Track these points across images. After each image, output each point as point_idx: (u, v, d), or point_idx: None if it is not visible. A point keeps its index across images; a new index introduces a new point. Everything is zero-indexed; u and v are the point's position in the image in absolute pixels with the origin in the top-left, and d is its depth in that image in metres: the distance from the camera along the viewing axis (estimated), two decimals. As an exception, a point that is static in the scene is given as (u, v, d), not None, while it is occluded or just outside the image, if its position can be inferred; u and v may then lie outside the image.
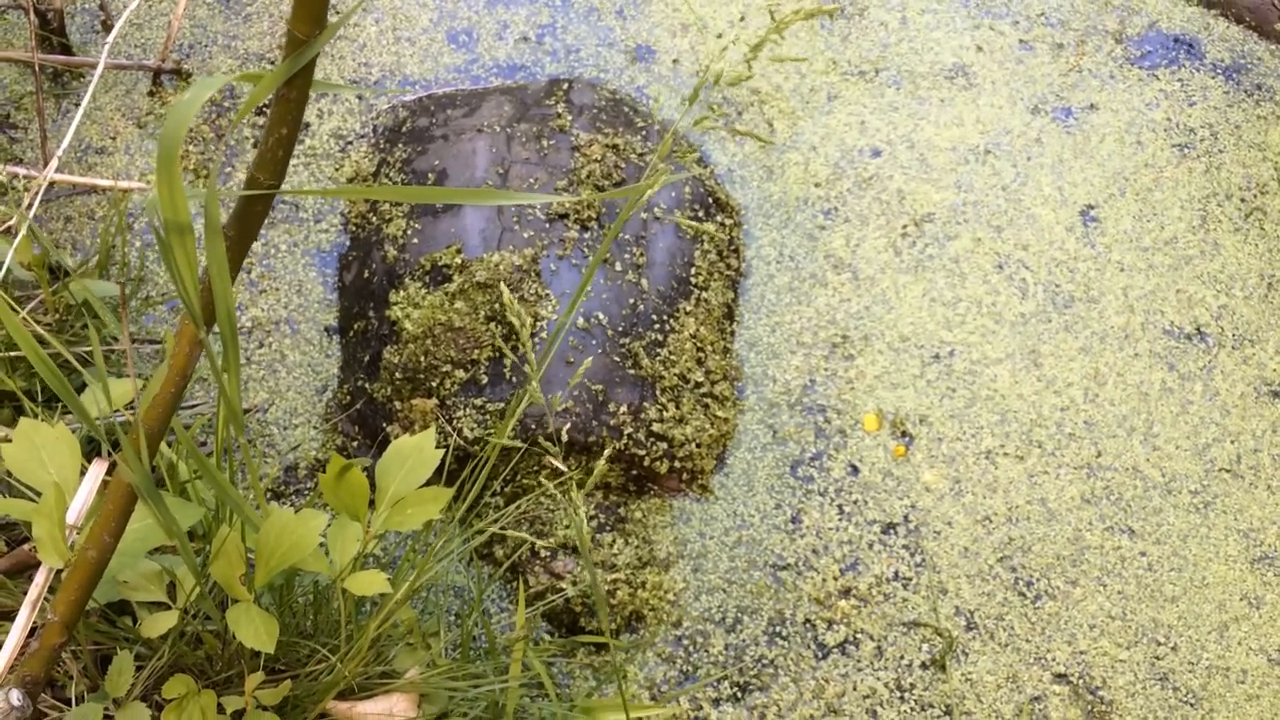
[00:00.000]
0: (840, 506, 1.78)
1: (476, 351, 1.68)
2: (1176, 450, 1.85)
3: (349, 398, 1.77)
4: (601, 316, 1.74)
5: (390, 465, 1.32)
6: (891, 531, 1.76)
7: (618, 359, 1.73)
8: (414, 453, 1.34)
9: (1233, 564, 1.76)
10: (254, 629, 1.15)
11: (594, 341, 1.72)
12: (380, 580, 1.22)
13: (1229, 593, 1.74)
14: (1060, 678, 1.66)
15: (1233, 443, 1.87)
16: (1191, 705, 1.65)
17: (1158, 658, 1.69)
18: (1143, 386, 1.91)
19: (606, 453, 1.34)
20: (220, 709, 1.19)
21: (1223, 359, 1.95)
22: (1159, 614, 1.72)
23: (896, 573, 1.73)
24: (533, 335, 1.70)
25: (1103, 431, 1.86)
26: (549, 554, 1.65)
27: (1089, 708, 1.64)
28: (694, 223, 1.84)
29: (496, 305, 1.69)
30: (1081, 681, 1.66)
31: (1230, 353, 1.96)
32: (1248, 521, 1.80)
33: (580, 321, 1.72)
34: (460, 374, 1.68)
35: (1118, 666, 1.68)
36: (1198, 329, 1.98)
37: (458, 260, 1.74)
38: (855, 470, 1.81)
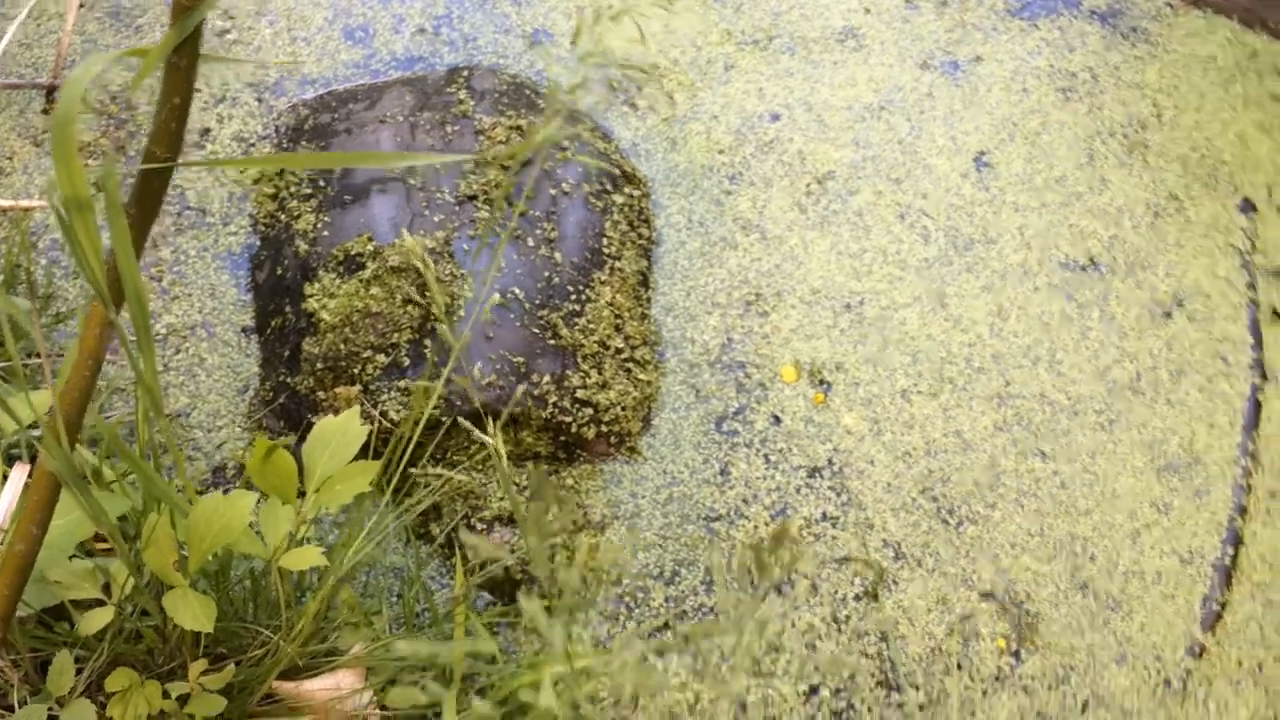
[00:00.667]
0: (766, 456, 1.83)
1: (396, 335, 1.71)
2: (1080, 374, 1.94)
3: (271, 394, 1.78)
4: (518, 291, 1.77)
5: (316, 446, 1.34)
6: (817, 475, 1.82)
7: (537, 330, 1.76)
8: (338, 432, 1.36)
9: (1140, 475, 1.85)
10: (191, 612, 1.16)
11: (512, 315, 1.75)
12: (314, 554, 1.24)
13: (1139, 502, 1.82)
14: (987, 596, 1.73)
15: (1131, 362, 1.96)
16: (1111, 609, 1.73)
17: (1077, 568, 1.76)
18: (1044, 317, 1.99)
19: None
20: (165, 694, 1.20)
21: (1116, 285, 2.04)
22: (1075, 527, 1.79)
23: (824, 513, 1.79)
24: (450, 314, 1.72)
25: (1009, 363, 1.94)
26: (485, 526, 1.67)
27: (1016, 621, 1.71)
28: (603, 195, 1.88)
29: (412, 288, 1.72)
30: (1007, 597, 1.73)
31: (1123, 279, 2.05)
32: (1151, 434, 1.89)
33: (497, 297, 1.75)
34: (381, 358, 1.70)
35: (1040, 580, 1.75)
36: (1091, 260, 2.07)
37: (370, 248, 1.76)
38: (778, 420, 1.86)
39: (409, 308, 1.71)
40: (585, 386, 1.77)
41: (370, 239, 1.77)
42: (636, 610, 1.68)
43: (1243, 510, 1.83)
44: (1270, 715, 1.67)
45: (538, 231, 1.84)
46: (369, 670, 1.38)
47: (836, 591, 1.72)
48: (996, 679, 1.67)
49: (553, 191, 1.91)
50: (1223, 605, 1.75)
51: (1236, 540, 1.80)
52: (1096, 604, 1.74)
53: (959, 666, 1.67)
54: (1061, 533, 1.79)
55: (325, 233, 1.83)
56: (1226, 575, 1.77)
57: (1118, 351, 1.97)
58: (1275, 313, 2.05)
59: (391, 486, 1.44)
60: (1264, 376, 1.96)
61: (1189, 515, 1.82)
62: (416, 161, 0.95)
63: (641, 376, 1.86)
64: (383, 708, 1.37)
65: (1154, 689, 1.68)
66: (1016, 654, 1.69)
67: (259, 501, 1.24)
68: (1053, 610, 1.73)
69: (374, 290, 1.72)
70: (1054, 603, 1.74)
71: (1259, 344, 2.00)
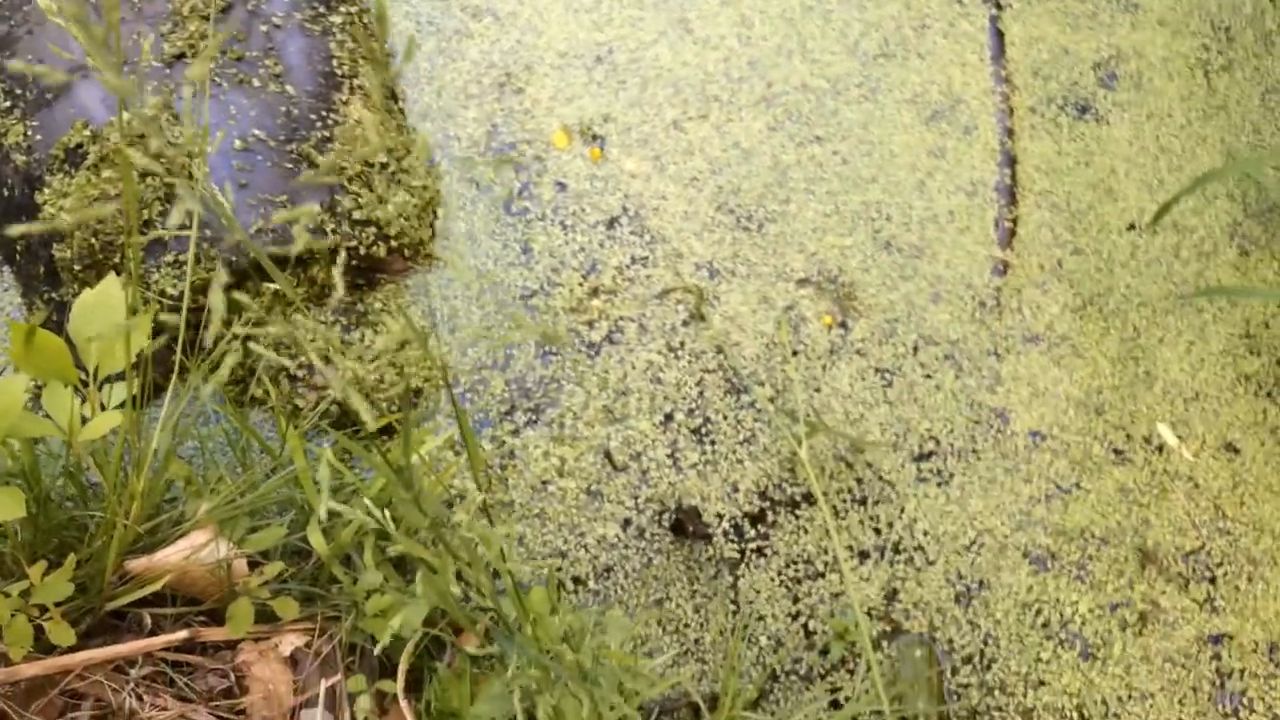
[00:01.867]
0: (562, 223, 1.82)
1: (145, 211, 1.62)
2: (833, 56, 1.97)
3: (45, 316, 1.68)
4: (259, 133, 1.69)
5: (80, 321, 1.28)
6: (616, 225, 1.83)
7: (291, 165, 1.69)
8: (100, 302, 1.30)
9: (911, 130, 1.91)
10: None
11: (260, 158, 1.68)
12: (111, 417, 1.19)
13: (916, 154, 1.89)
14: (803, 282, 1.79)
15: (877, 31, 2.00)
16: (916, 258, 1.82)
17: (876, 231, 1.83)
18: (786, 14, 2.01)
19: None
20: (6, 595, 1.16)
21: (846, -36, 2.06)
22: (865, 196, 1.86)
23: (633, 257, 1.80)
24: (193, 174, 1.64)
25: (765, 65, 1.96)
26: (305, 371, 1.64)
27: (835, 295, 1.78)
28: (318, 19, 1.79)
29: (146, 159, 1.62)
30: (822, 277, 1.79)
31: (851, -42, 2.07)
32: (911, 90, 1.94)
33: (238, 143, 1.67)
34: (139, 239, 1.61)
35: (847, 253, 1.81)
36: (816, -53, 2.08)
37: (88, 133, 1.65)
38: (563, 186, 1.85)
39: (149, 180, 1.62)
40: (360, 207, 1.72)
41: (86, 125, 1.66)
42: (481, 401, 1.69)
43: (1010, 132, 1.92)
44: (1078, 303, 1.79)
45: (261, 70, 1.75)
46: (223, 525, 1.35)
47: (665, 324, 1.75)
48: (831, 352, 1.74)
49: (264, 28, 1.81)
50: (1014, 221, 1.85)
51: (1011, 161, 1.89)
52: (902, 257, 1.82)
53: (795, 353, 1.74)
54: (855, 204, 1.85)
55: (39, 137, 1.70)
56: (1010, 194, 1.86)
57: (862, 24, 2.00)
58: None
59: (198, 361, 1.39)
60: (999, 5, 2.03)
61: (964, 152, 1.90)
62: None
63: (416, 183, 1.81)
64: (249, 558, 1.35)
65: (972, 313, 1.78)
66: (843, 324, 1.76)
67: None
68: (865, 275, 1.80)
69: (106, 174, 1.62)
70: (864, 268, 1.80)
71: (988, -20, 2.06)
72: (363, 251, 1.72)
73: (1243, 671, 1.53)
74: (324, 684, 1.30)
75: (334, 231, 1.69)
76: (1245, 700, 1.52)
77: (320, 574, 1.40)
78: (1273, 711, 1.51)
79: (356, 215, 1.72)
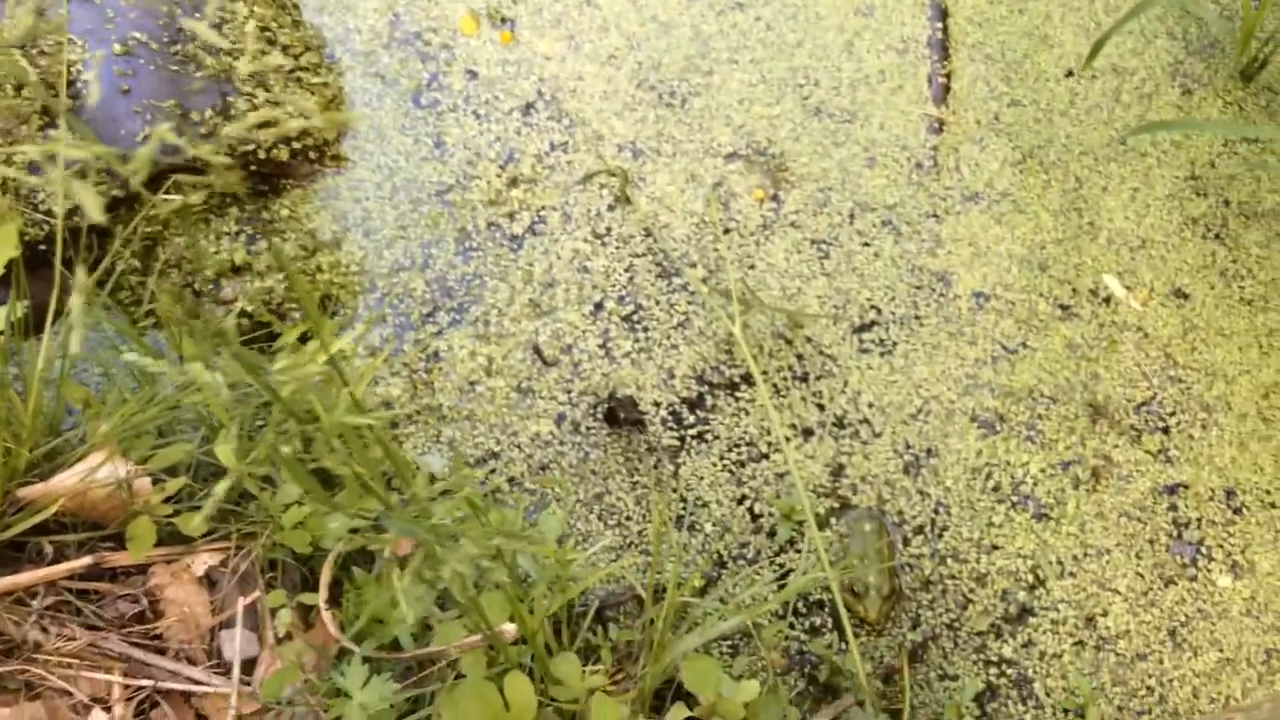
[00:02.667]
0: (475, 112, 1.73)
1: (24, 127, 1.51)
2: (751, -84, 1.86)
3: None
4: (139, 35, 1.58)
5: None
6: (532, 111, 1.73)
7: (176, 68, 1.59)
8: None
9: (837, -11, 1.81)
10: None
11: (143, 61, 1.57)
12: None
13: (842, 14, 1.79)
14: (732, 157, 1.71)
15: (797, -114, 1.88)
16: (849, 122, 1.73)
17: (805, 97, 1.74)
18: (700, -125, 1.89)
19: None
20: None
21: None
22: (792, 61, 1.76)
23: (552, 144, 1.71)
24: (73, 82, 1.53)
25: (681, -69, 1.85)
26: (212, 286, 1.56)
27: (765, 168, 1.70)
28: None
29: (20, 66, 1.51)
30: (751, 150, 1.71)
31: None
32: (835, -53, 1.84)
33: (118, 48, 1.56)
34: (19, 158, 1.51)
35: (775, 122, 1.73)
36: None
37: (-48, 48, 1.54)
38: (474, 74, 1.75)
39: (23, 93, 1.51)
40: (256, 109, 1.62)
41: (-51, 39, 1.54)
42: (402, 305, 1.61)
43: (940, -16, 1.82)
44: (1018, 156, 1.72)
45: (137, -31, 1.63)
46: (125, 445, 1.28)
47: (589, 210, 1.67)
48: (764, 227, 1.67)
49: (139, -76, 1.68)
50: (948, 77, 1.76)
51: (942, 14, 1.80)
52: (834, 123, 1.73)
53: (726, 230, 1.66)
54: (781, 71, 1.76)
55: (-97, 57, 1.59)
56: (943, 49, 1.77)
57: (781, -119, 1.89)
58: None
59: (97, 282, 1.31)
60: None
61: (893, 8, 1.80)
62: None
63: (316, 81, 1.71)
64: (155, 477, 1.28)
65: (908, 176, 1.70)
66: (775, 197, 1.69)
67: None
68: (795, 145, 1.72)
69: (-25, 89, 1.52)
70: (794, 137, 1.72)
71: None
72: (262, 156, 1.63)
73: (1200, 520, 1.49)
74: (242, 602, 1.25)
75: (229, 136, 1.59)
76: (1203, 549, 1.48)
77: (237, 489, 1.34)
78: (1231, 558, 1.47)
79: (253, 117, 1.62)
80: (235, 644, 1.22)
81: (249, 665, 1.24)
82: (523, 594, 1.23)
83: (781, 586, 1.45)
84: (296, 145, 1.66)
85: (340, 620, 1.22)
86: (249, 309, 1.56)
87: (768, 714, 1.21)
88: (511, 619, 1.14)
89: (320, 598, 1.24)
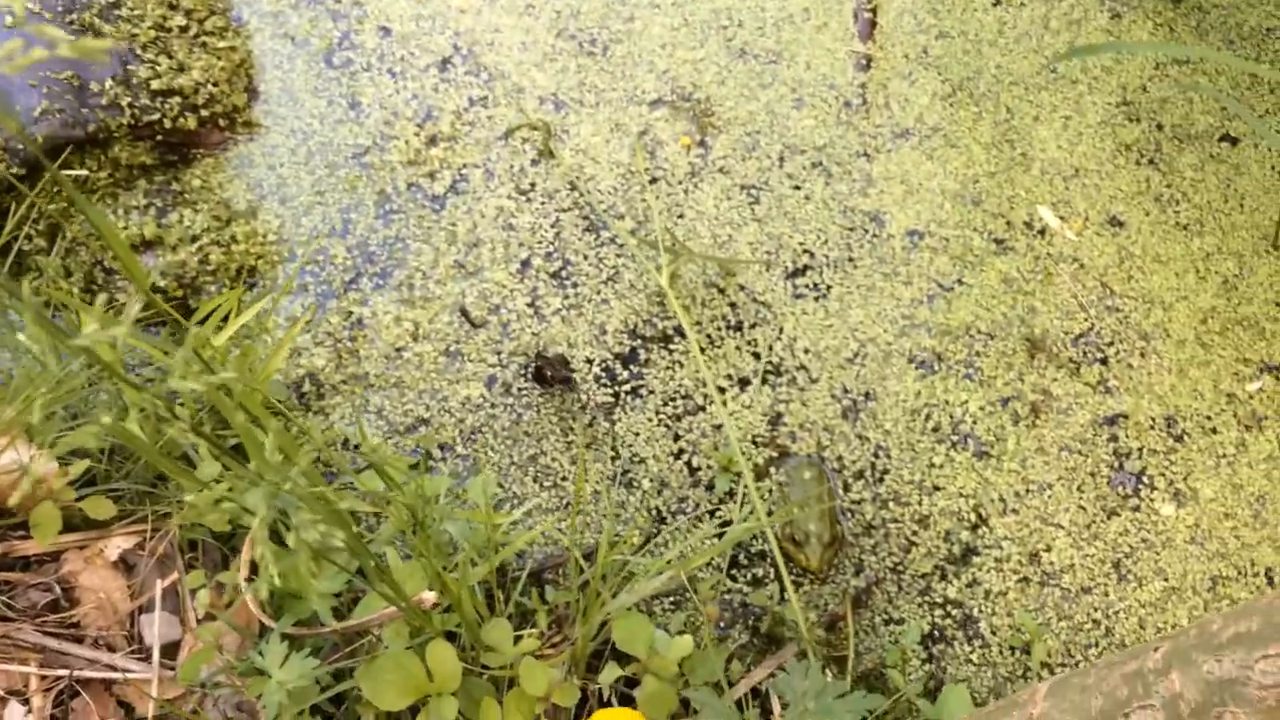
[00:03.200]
0: (389, 71, 1.67)
1: (-89, 106, 1.45)
2: None
3: None
4: (32, 6, 1.52)
5: None
6: (449, 66, 1.68)
7: (74, 38, 1.52)
8: None
9: (758, -74, 1.76)
10: None
11: (29, 32, 1.50)
12: None
13: (765, -49, 1.75)
14: (656, 103, 1.66)
15: None
16: (774, 63, 1.69)
17: (729, 39, 1.70)
18: None
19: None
20: None
21: None
22: (714, 2, 1.72)
23: (471, 99, 1.66)
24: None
25: (596, -128, 1.79)
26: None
27: (691, 114, 1.66)
28: None
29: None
30: (676, 96, 1.67)
31: None
32: (755, -118, 1.79)
33: (10, 19, 1.50)
34: (-91, 138, 1.45)
35: (700, 67, 1.68)
36: None
37: None
38: (387, 31, 1.70)
39: (-92, 70, 1.45)
40: (159, 76, 1.56)
41: None
42: (323, 273, 1.56)
43: (864, -84, 1.77)
44: (947, 89, 1.68)
45: (25, -65, 1.56)
46: (32, 430, 1.24)
47: (512, 166, 1.63)
48: (692, 174, 1.63)
49: (25, -112, 1.61)
50: (873, 11, 1.72)
51: (867, -53, 1.75)
52: (759, 64, 1.69)
53: (654, 179, 1.62)
54: (704, 13, 1.71)
55: None
56: (868, -17, 1.73)
57: None
58: None
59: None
60: None
61: (816, -57, 1.76)
62: None
63: (222, 45, 1.65)
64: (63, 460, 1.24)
65: (837, 115, 1.66)
66: (703, 143, 1.64)
67: None
68: (721, 89, 1.67)
69: None
70: (720, 81, 1.68)
71: None
72: (169, 125, 1.57)
73: (1141, 450, 1.48)
74: (160, 584, 1.21)
75: (131, 106, 1.54)
76: (1145, 479, 1.47)
77: (152, 471, 1.30)
78: (1174, 486, 1.46)
79: (156, 85, 1.56)
80: (155, 628, 1.19)
81: (171, 649, 1.20)
82: (447, 561, 1.20)
83: (721, 539, 1.43)
84: (205, 113, 1.60)
85: (261, 599, 1.19)
86: (161, 284, 1.51)
87: (705, 668, 1.18)
88: (433, 587, 1.11)
89: (240, 575, 1.20)
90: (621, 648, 1.13)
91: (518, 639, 1.18)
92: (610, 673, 1.13)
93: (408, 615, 1.05)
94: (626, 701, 1.21)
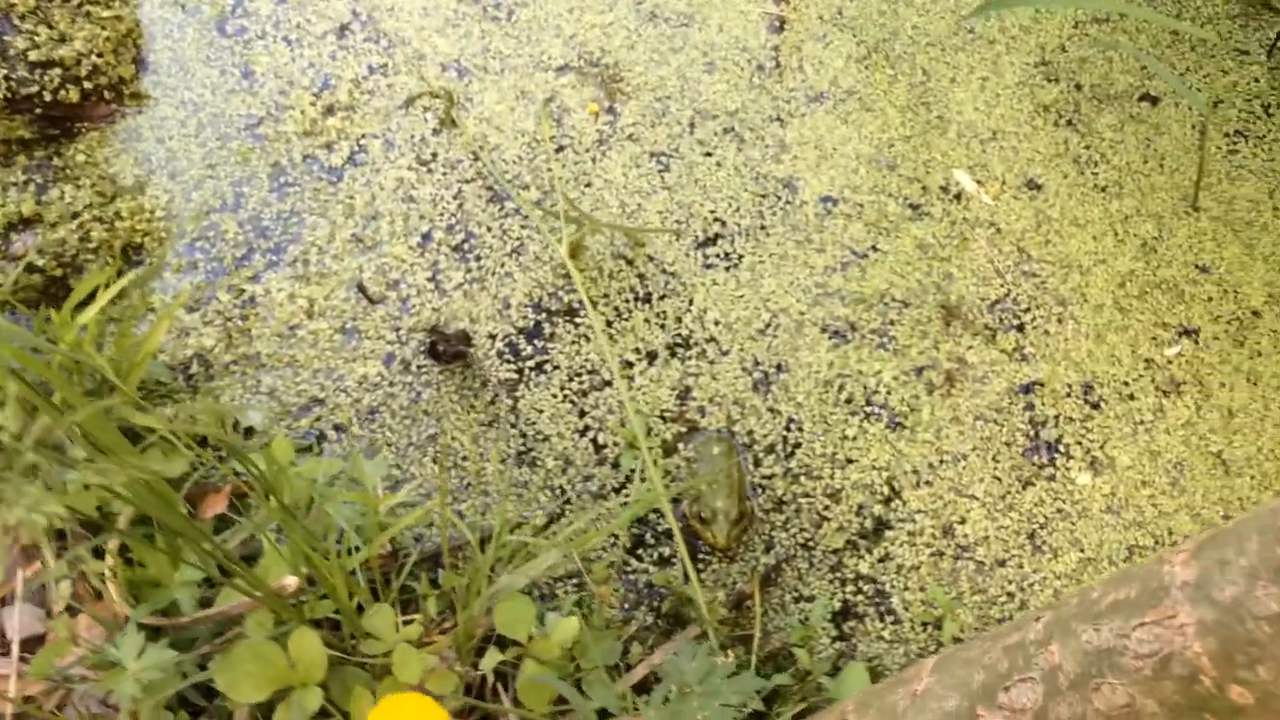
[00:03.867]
0: (285, 38, 1.61)
1: None
2: None
3: None
4: (-106, -29, 1.44)
5: None
6: (347, 33, 1.62)
7: (-60, 5, 1.45)
8: None
9: (669, -115, 1.70)
10: None
11: (-101, 0, 1.43)
12: None
13: (675, -89, 1.69)
14: (563, 70, 1.60)
15: None
16: (685, 26, 1.63)
17: (639, 2, 1.64)
18: None
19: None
20: None
21: None
22: (622, -36, 1.66)
23: (370, 67, 1.60)
24: None
25: None
26: None
27: (599, 79, 1.60)
28: None
29: None
30: (583, 62, 1.61)
31: None
32: None
33: None
34: None
35: (608, 30, 1.62)
36: None
37: None
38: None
39: None
40: (37, 46, 1.49)
41: None
42: (214, 249, 1.50)
43: (778, -126, 1.71)
44: (863, 52, 1.63)
45: (-108, -102, 1.48)
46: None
47: (413, 135, 1.57)
48: (600, 142, 1.57)
49: None
50: (787, -28, 1.67)
51: (781, -95, 1.70)
52: (670, 27, 1.63)
53: (561, 148, 1.56)
54: (612, -25, 1.65)
55: None
56: (782, -57, 1.67)
57: None
58: None
59: None
60: None
61: (729, -98, 1.70)
62: None
63: (107, 14, 1.58)
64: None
65: (750, 79, 1.61)
66: (611, 110, 1.59)
67: None
68: (630, 53, 1.62)
69: None
70: (629, 46, 1.62)
71: None
72: (48, 98, 1.50)
73: (1057, 418, 1.44)
74: (22, 574, 1.15)
75: (8, 79, 1.46)
76: (1061, 447, 1.43)
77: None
78: (1090, 455, 1.42)
79: (34, 57, 1.49)
80: (15, 620, 1.13)
81: (35, 643, 1.14)
82: (320, 545, 1.14)
83: (616, 518, 1.38)
84: (88, 85, 1.53)
85: (124, 590, 1.13)
86: (40, 263, 1.44)
87: (597, 651, 1.14)
88: (304, 573, 1.05)
89: (105, 565, 1.15)
90: (502, 631, 1.08)
91: (400, 625, 1.13)
92: (491, 658, 1.08)
93: (268, 602, 0.99)
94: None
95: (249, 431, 1.41)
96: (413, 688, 1.03)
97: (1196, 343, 1.48)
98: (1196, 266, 1.52)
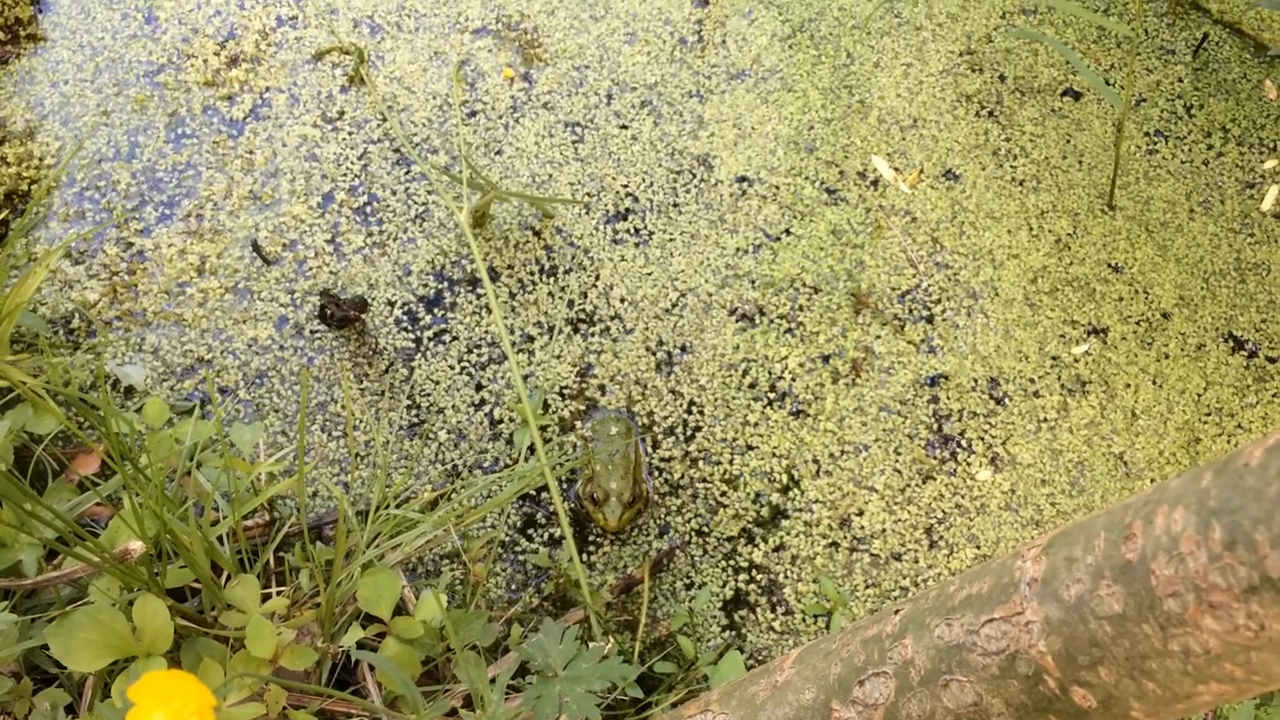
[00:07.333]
0: (192, -16, 1.55)
1: None
2: None
3: None
4: None
5: None
6: (258, -17, 1.56)
7: None
8: None
9: None
10: None
11: None
12: None
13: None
14: (480, 32, 1.56)
15: None
16: (608, -6, 1.59)
17: (561, -33, 1.60)
18: None
19: None
20: None
21: None
22: (547, -73, 1.61)
23: (279, 18, 1.54)
24: None
25: None
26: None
27: (516, 43, 1.55)
28: None
29: None
30: (501, 25, 1.56)
31: None
32: None
33: None
34: None
35: (527, -6, 1.58)
36: None
37: None
38: (193, -58, 1.57)
39: None
40: (-78, -24, 1.42)
41: None
42: (103, 199, 1.44)
43: None
44: (787, 31, 1.60)
45: None
46: None
47: (320, 92, 1.51)
48: (514, 109, 1.53)
49: None
50: (716, -55, 1.63)
51: (714, -123, 1.66)
52: (596, 3, 1.59)
53: (473, 113, 1.52)
54: (537, -62, 1.61)
55: None
56: (713, -85, 1.63)
57: None
58: None
59: None
60: None
61: None
62: None
63: (2, -52, 1.50)
64: None
65: (671, 52, 1.57)
66: (527, 76, 1.54)
67: None
68: (550, 19, 1.57)
69: None
70: (549, 11, 1.57)
71: None
72: (-68, 31, 1.43)
73: (961, 412, 1.42)
74: None
75: (-114, 7, 1.39)
76: (963, 442, 1.41)
77: None
78: (992, 450, 1.40)
79: (-82, -13, 1.42)
80: None
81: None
82: (176, 510, 1.09)
83: (497, 496, 1.34)
84: (-23, 20, 1.46)
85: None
86: (-87, 205, 1.37)
87: (468, 630, 1.10)
88: (161, 539, 1.00)
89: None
90: (364, 607, 1.04)
91: (269, 598, 1.09)
92: (352, 634, 1.04)
93: (107, 568, 0.94)
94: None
95: (129, 391, 1.36)
96: (267, 662, 0.99)
97: (1104, 342, 1.46)
98: (1109, 265, 1.50)
